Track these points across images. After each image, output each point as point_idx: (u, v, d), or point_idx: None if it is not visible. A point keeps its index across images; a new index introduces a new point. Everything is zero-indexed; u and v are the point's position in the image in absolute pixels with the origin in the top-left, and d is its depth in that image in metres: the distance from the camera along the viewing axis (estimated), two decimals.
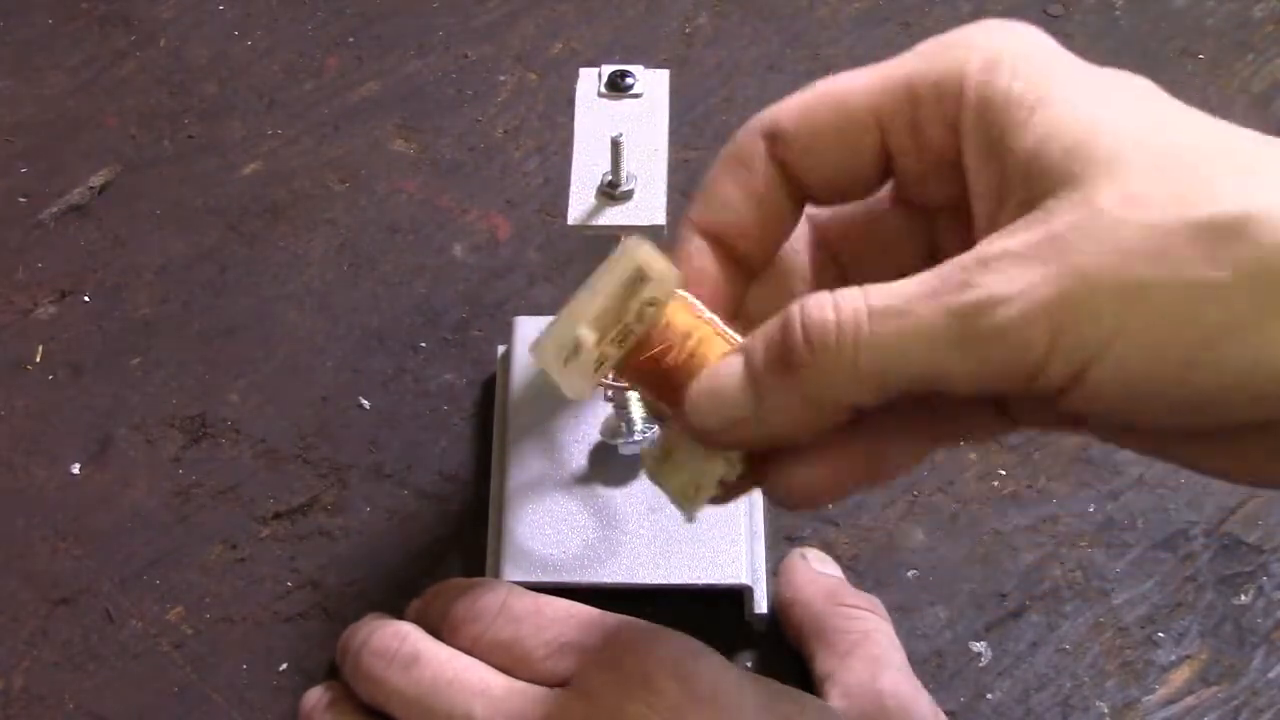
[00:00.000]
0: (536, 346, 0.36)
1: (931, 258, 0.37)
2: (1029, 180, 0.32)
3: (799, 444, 0.35)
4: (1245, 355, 0.30)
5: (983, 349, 0.31)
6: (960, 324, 0.31)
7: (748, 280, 0.38)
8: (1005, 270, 0.31)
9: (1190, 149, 0.31)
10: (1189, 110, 0.33)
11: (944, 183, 0.36)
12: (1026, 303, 0.31)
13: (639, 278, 0.35)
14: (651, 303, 0.35)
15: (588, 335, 0.35)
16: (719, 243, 0.38)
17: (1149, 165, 0.31)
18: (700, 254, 0.38)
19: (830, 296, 0.33)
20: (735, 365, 0.35)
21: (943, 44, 0.36)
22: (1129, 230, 0.30)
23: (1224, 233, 0.30)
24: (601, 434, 0.52)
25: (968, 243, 0.33)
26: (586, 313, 0.35)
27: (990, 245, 0.32)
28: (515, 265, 0.62)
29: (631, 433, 0.51)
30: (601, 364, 0.36)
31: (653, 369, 0.36)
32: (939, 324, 0.31)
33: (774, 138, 0.37)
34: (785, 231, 0.38)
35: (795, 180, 0.37)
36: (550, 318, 0.57)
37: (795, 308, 0.33)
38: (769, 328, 0.34)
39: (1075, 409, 0.32)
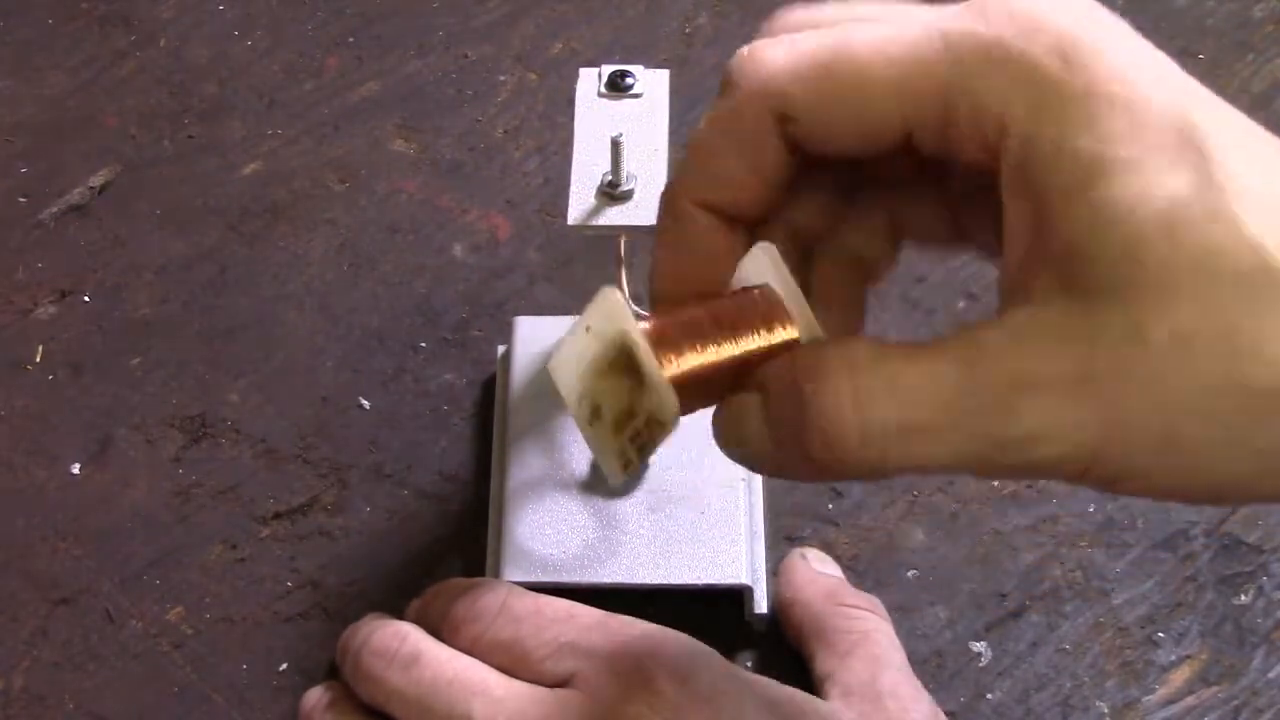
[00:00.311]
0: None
1: (898, 231, 0.38)
2: (1072, 264, 0.31)
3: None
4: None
5: (1014, 469, 0.32)
6: (998, 452, 0.31)
7: (746, 238, 0.37)
8: (1045, 401, 0.31)
9: (1247, 277, 0.30)
10: (1253, 196, 0.30)
11: (965, 180, 0.36)
12: (1068, 446, 0.31)
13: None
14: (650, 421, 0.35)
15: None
16: (717, 210, 0.37)
17: (1201, 292, 0.30)
18: (711, 233, 0.37)
19: (850, 394, 0.32)
20: (755, 416, 0.34)
21: (983, 46, 0.32)
22: (1177, 385, 0.30)
23: (1274, 402, 0.30)
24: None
25: (944, 226, 0.34)
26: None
27: (1024, 345, 0.31)
28: (515, 265, 0.62)
29: None
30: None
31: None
32: (973, 448, 0.31)
33: (784, 119, 0.35)
34: (784, 189, 0.37)
35: (801, 149, 0.35)
36: (551, 318, 0.57)
37: (810, 402, 0.32)
38: (780, 390, 0.34)
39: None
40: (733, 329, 0.35)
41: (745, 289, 0.36)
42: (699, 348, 0.35)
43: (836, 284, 0.38)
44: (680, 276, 0.37)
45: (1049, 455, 0.31)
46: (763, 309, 0.36)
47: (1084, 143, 0.31)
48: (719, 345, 0.35)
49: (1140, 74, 0.31)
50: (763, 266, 0.36)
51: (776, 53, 0.34)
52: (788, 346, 0.36)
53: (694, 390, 0.35)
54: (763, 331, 0.35)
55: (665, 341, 0.35)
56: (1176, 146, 0.30)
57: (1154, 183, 0.30)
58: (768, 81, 0.34)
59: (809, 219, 0.38)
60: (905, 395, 0.32)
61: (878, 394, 0.32)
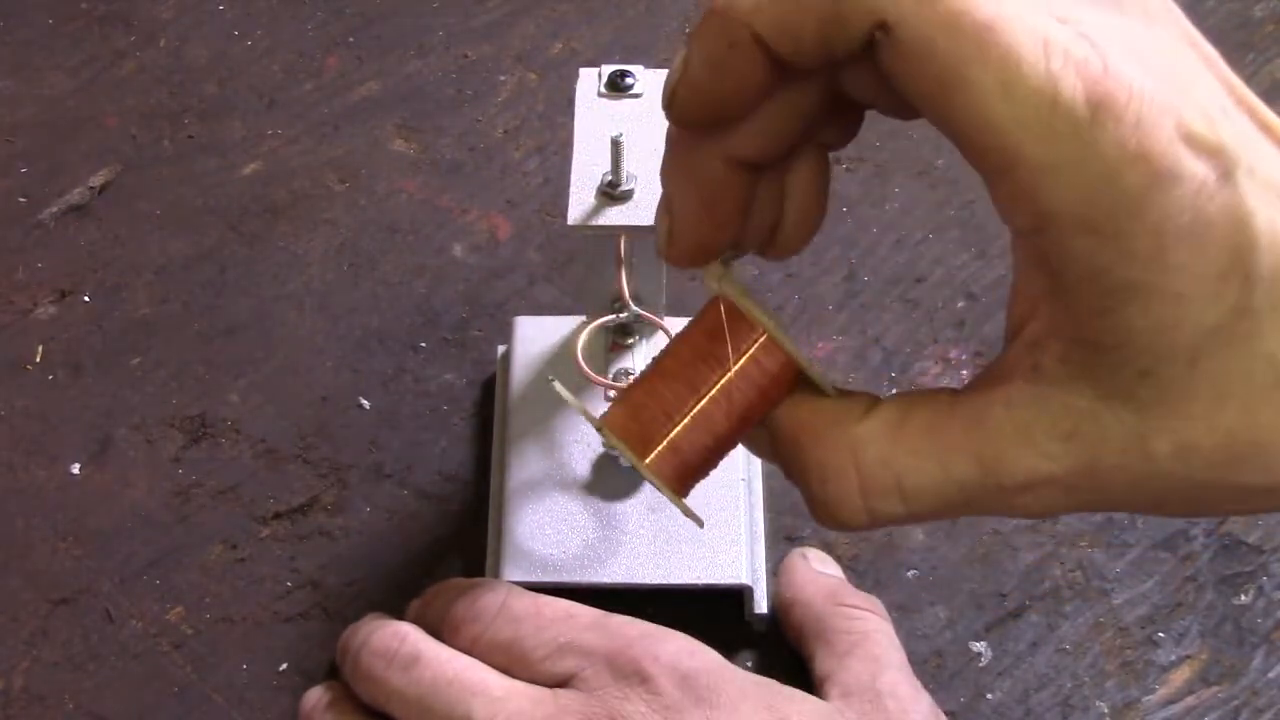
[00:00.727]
0: None
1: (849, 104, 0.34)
2: (1087, 356, 0.31)
3: None
4: None
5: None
6: (986, 494, 0.33)
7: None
8: (1044, 493, 0.32)
9: (1258, 392, 0.30)
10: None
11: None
12: (1048, 503, 0.33)
13: None
14: None
15: None
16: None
17: (1211, 412, 0.30)
18: (716, 161, 0.35)
19: (856, 484, 0.33)
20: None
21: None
22: (1172, 485, 0.31)
23: (1269, 497, 0.31)
24: (605, 447, 0.52)
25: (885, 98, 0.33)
26: None
27: (1031, 443, 0.32)
28: (515, 265, 0.62)
29: None
30: None
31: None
32: (966, 513, 0.34)
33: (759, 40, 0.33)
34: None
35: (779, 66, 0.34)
36: (551, 318, 0.57)
37: (814, 479, 0.34)
38: (784, 443, 0.35)
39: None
40: (695, 379, 0.35)
41: (705, 312, 0.36)
42: (670, 428, 0.35)
43: (810, 174, 0.36)
44: (692, 208, 0.35)
45: (1028, 503, 0.33)
46: (727, 329, 0.36)
47: (1135, 273, 0.29)
48: (690, 411, 0.35)
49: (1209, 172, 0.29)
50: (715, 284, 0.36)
51: None
52: (764, 349, 0.35)
53: (682, 465, 0.36)
54: (731, 358, 0.35)
55: (633, 434, 0.35)
56: (1223, 275, 0.29)
57: (1190, 315, 0.30)
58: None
59: (791, 125, 0.35)
60: (912, 497, 0.33)
61: (885, 492, 0.33)
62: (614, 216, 0.48)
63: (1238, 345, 0.30)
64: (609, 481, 0.52)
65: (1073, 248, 0.30)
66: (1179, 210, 0.29)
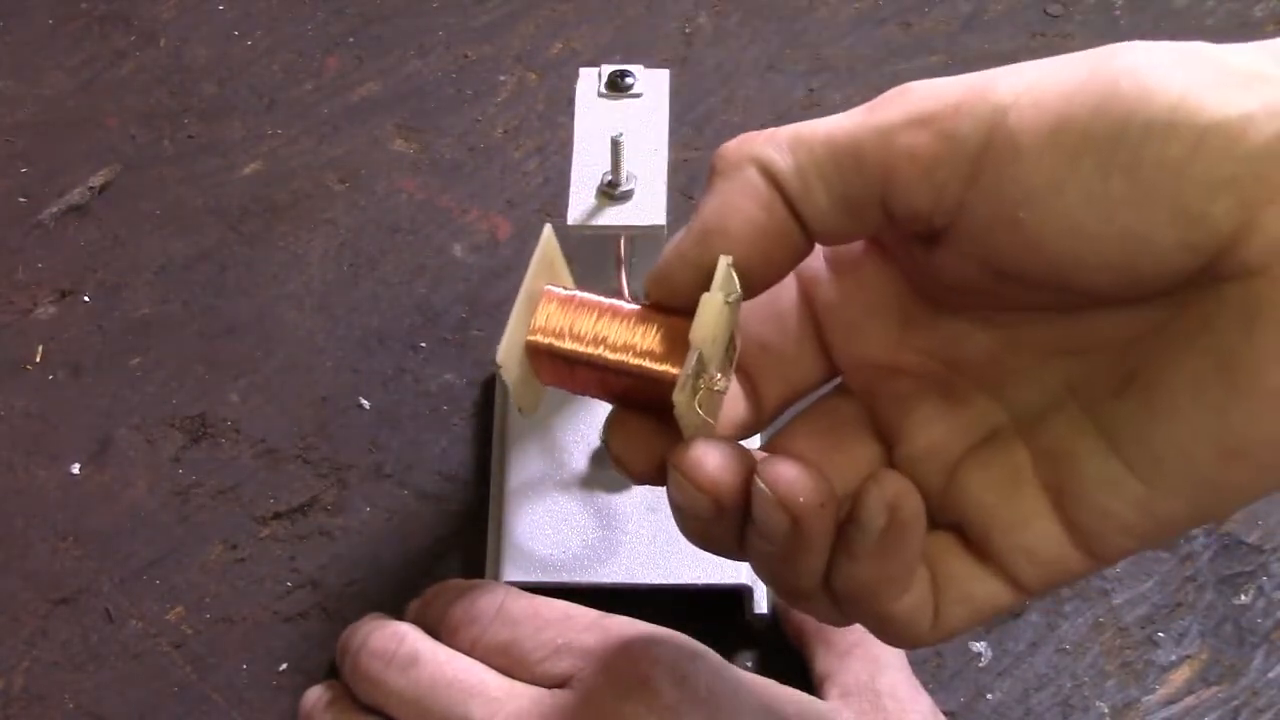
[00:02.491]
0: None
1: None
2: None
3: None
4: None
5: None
6: None
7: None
8: None
9: None
10: None
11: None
12: None
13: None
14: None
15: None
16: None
17: None
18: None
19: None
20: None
21: None
22: None
23: None
24: (602, 437, 0.52)
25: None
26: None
27: None
28: (515, 265, 0.62)
29: None
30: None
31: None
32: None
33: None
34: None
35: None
36: None
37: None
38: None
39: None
40: (624, 343, 0.34)
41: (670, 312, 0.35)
42: (572, 334, 0.35)
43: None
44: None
45: None
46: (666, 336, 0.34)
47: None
48: (594, 345, 0.35)
49: None
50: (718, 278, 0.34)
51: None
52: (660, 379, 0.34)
53: (545, 363, 0.35)
54: (649, 359, 0.34)
55: (554, 313, 0.35)
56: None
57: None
58: None
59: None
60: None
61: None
62: (614, 216, 0.48)
63: None
64: (609, 475, 0.52)
65: None
66: None
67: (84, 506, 0.55)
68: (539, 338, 0.35)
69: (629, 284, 0.49)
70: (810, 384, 0.37)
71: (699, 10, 0.71)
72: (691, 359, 0.32)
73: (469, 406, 0.57)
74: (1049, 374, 0.34)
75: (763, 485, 0.33)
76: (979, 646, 0.51)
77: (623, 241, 0.49)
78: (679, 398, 0.32)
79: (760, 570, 0.35)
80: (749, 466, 0.33)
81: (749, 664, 0.51)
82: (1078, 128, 0.29)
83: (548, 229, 0.36)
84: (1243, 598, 0.52)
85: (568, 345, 0.35)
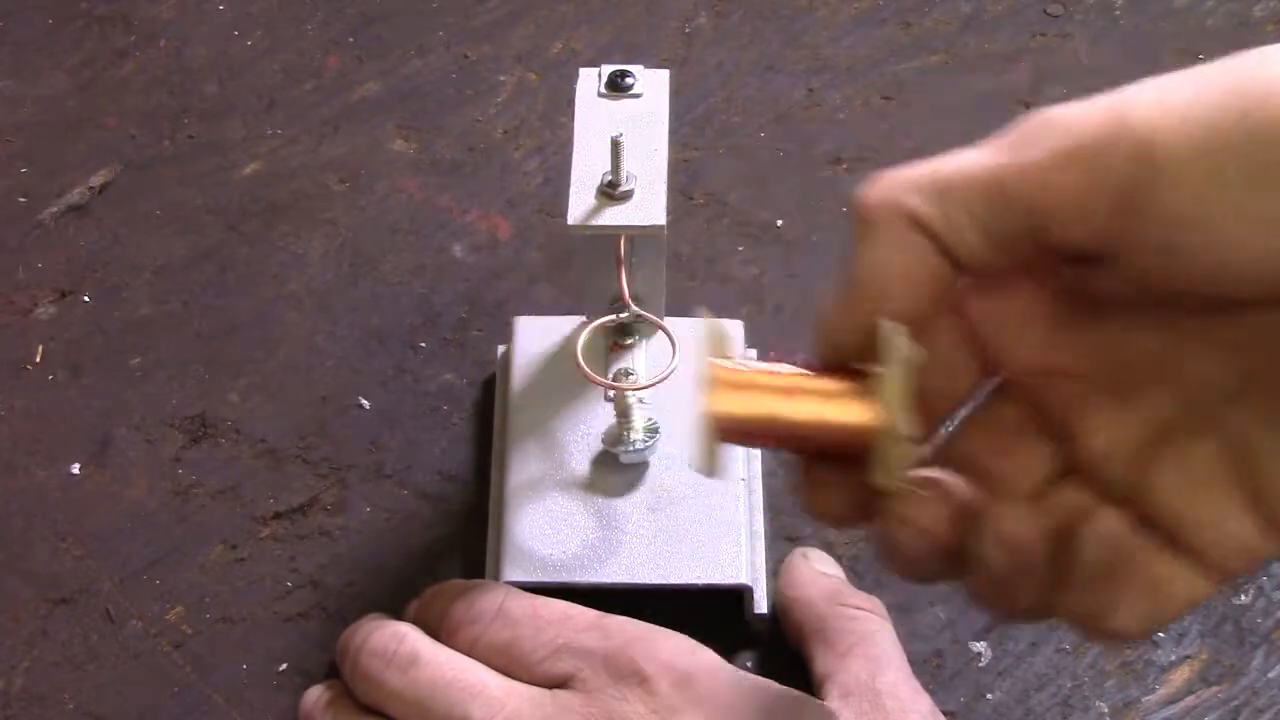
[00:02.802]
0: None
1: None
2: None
3: None
4: None
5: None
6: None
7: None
8: None
9: None
10: None
11: None
12: None
13: None
14: None
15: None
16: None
17: None
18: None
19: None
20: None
21: None
22: None
23: None
24: (604, 442, 0.52)
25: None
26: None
27: None
28: (515, 265, 0.62)
29: (633, 442, 0.51)
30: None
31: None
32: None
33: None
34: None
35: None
36: (551, 318, 0.57)
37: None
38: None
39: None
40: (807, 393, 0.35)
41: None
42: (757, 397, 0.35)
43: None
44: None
45: None
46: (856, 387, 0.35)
47: None
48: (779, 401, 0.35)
49: None
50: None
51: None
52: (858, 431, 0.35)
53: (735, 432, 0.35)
54: (838, 417, 0.35)
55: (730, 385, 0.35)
56: None
57: None
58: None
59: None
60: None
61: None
62: (614, 216, 0.48)
63: None
64: (608, 479, 0.52)
65: None
66: None
67: (84, 506, 0.55)
68: (722, 417, 0.35)
69: (629, 284, 0.49)
70: (969, 390, 0.37)
71: (699, 10, 0.71)
72: (886, 441, 0.34)
73: (469, 406, 0.57)
74: (1222, 366, 0.34)
75: (986, 530, 0.34)
76: (979, 646, 0.51)
77: (623, 241, 0.49)
78: (882, 480, 0.34)
79: (977, 597, 0.36)
80: (962, 502, 0.35)
81: (749, 664, 0.51)
82: (1228, 148, 0.29)
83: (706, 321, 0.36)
84: (1243, 598, 0.52)
85: (752, 417, 0.35)
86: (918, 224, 0.33)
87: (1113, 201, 0.31)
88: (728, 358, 0.36)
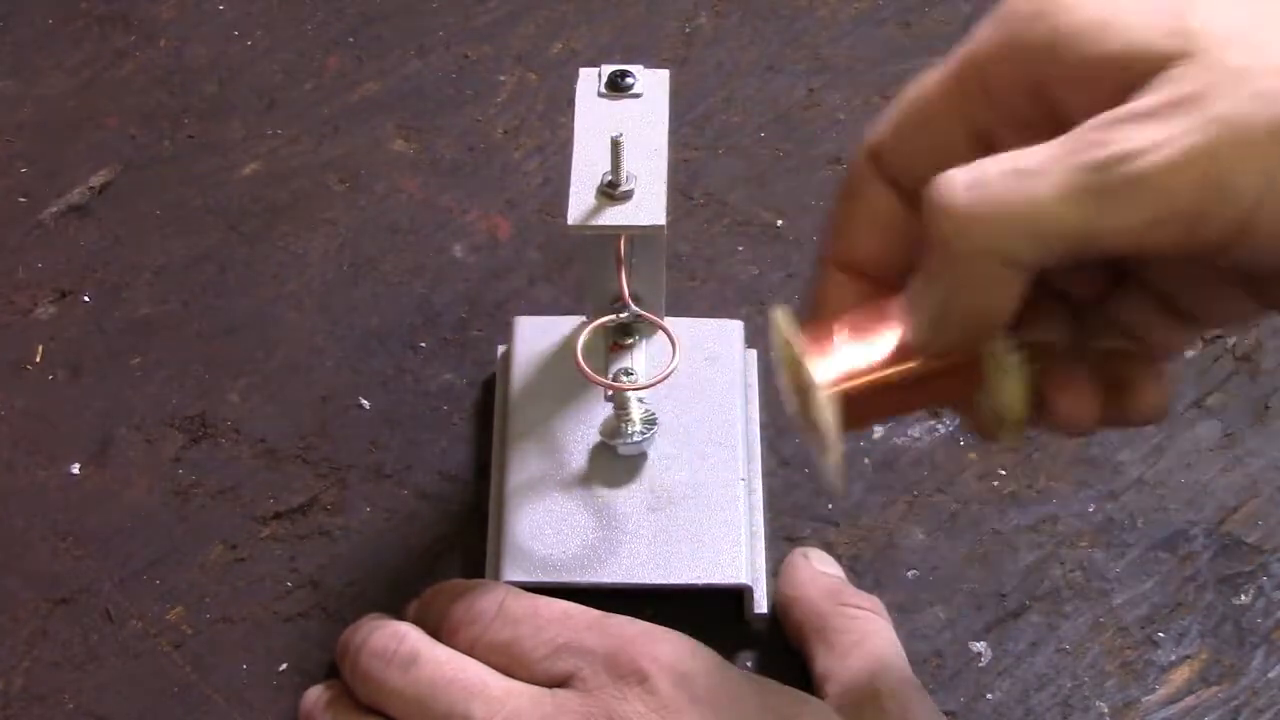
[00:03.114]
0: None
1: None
2: (1132, 71, 0.31)
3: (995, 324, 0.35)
4: None
5: (1126, 201, 0.31)
6: (1100, 178, 0.31)
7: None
8: (1141, 126, 0.31)
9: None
10: None
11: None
12: (1171, 151, 0.30)
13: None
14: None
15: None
16: (859, 272, 0.38)
17: (1260, 25, 0.31)
18: (839, 288, 0.39)
19: (961, 169, 0.33)
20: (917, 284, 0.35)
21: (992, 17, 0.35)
22: (1271, 76, 0.30)
23: None
24: (601, 434, 0.52)
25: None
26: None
27: (1115, 111, 0.31)
28: (515, 265, 0.62)
29: (631, 433, 0.51)
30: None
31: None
32: (1077, 180, 0.31)
33: (876, 157, 0.37)
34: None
35: (908, 192, 0.37)
36: (551, 318, 0.57)
37: (929, 189, 0.33)
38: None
39: (1245, 264, 0.32)
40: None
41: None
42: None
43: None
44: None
45: (1154, 163, 0.31)
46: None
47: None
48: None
49: None
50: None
51: None
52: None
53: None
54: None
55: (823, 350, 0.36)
56: None
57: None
58: (863, 141, 0.39)
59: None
60: (1008, 157, 0.33)
61: (984, 163, 0.33)
62: (614, 216, 0.48)
63: None
64: (609, 475, 0.52)
65: None
66: None
67: (84, 506, 0.55)
68: (837, 385, 0.36)
69: (629, 284, 0.49)
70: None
71: (699, 10, 0.71)
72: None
73: (469, 406, 0.57)
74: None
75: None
76: (979, 646, 0.51)
77: (623, 241, 0.49)
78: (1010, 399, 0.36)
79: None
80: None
81: (749, 664, 0.51)
82: None
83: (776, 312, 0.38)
84: (1243, 598, 0.52)
85: (870, 374, 0.36)
86: (1013, 264, 0.33)
87: (1212, 249, 0.31)
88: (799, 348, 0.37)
